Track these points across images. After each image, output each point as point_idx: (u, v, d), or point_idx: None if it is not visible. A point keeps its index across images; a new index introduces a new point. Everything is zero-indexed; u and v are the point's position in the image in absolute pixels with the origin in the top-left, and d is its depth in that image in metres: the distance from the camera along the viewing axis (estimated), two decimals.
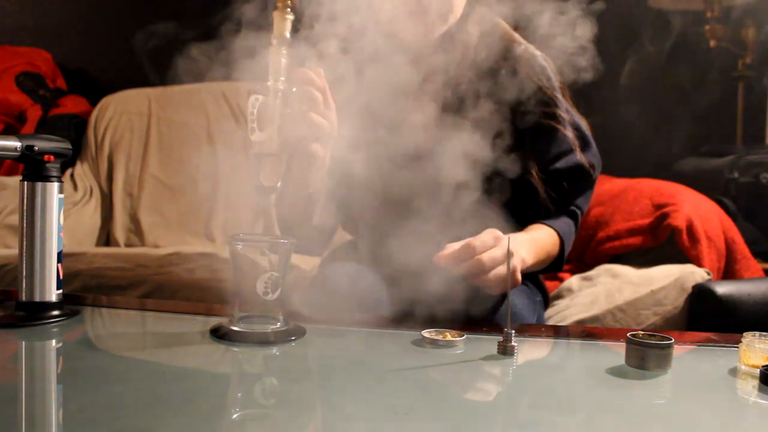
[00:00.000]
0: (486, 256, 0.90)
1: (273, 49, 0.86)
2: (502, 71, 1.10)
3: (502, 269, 0.91)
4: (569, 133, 1.12)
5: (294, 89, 0.87)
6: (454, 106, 1.11)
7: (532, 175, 1.11)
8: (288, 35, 0.86)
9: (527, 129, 1.10)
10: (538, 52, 1.14)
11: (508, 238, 0.89)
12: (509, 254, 0.80)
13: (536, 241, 1.08)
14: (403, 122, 1.06)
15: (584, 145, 1.16)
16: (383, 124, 1.01)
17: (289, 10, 0.86)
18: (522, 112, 1.09)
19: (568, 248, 1.16)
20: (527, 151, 1.10)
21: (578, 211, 1.18)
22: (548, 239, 1.12)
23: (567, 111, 1.13)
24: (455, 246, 0.93)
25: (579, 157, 1.13)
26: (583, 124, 1.17)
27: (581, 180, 1.15)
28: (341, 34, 1.01)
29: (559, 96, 1.13)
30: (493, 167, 1.07)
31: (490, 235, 0.93)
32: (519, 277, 0.97)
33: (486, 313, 0.98)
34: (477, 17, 1.12)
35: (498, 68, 1.10)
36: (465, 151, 1.08)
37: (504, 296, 1.00)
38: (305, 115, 0.90)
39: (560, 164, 1.12)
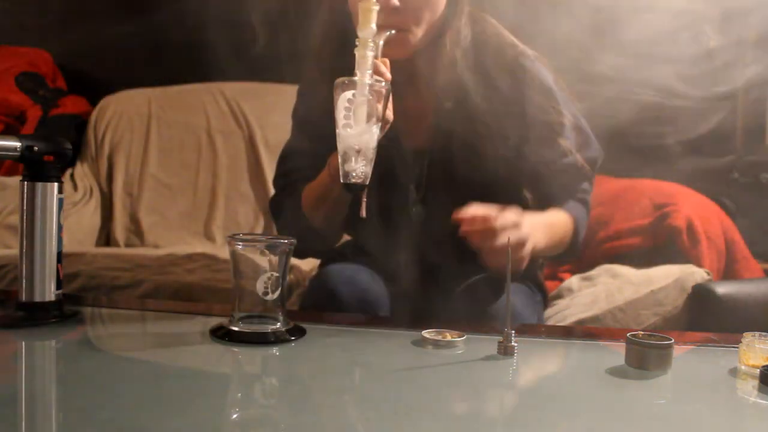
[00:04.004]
0: (498, 223, 0.92)
1: (360, 42, 0.83)
2: (492, 79, 1.09)
3: (506, 238, 0.92)
4: (565, 142, 1.10)
5: (383, 84, 0.84)
6: (443, 118, 1.10)
7: (519, 190, 1.11)
8: (374, 27, 0.83)
9: (522, 138, 1.09)
10: (529, 52, 1.13)
11: (508, 239, 0.89)
12: (509, 254, 0.79)
13: (552, 225, 1.07)
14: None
15: (585, 142, 1.15)
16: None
17: (374, 0, 0.82)
18: (516, 122, 1.08)
19: (581, 233, 1.15)
20: (521, 160, 1.09)
21: (586, 196, 1.17)
22: (562, 223, 1.11)
23: (563, 115, 1.11)
24: (478, 210, 0.94)
25: (577, 158, 1.12)
26: (582, 119, 1.16)
27: (581, 176, 1.14)
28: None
29: (554, 100, 1.10)
30: (485, 178, 1.07)
31: (512, 213, 0.95)
32: (526, 255, 0.96)
33: (484, 313, 0.99)
34: (462, 22, 1.10)
35: (488, 76, 1.09)
36: (454, 162, 1.08)
37: (494, 293, 1.00)
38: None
39: (558, 167, 1.11)
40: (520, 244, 0.95)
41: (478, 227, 0.93)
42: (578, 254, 1.17)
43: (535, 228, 0.99)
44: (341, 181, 0.84)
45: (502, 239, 0.92)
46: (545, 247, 1.05)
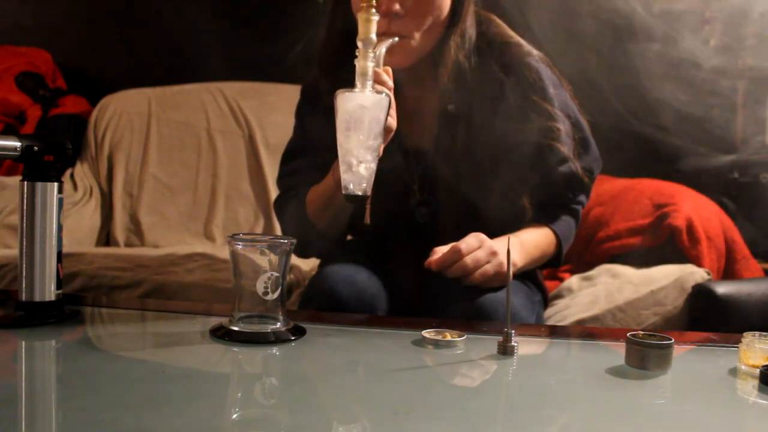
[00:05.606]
0: (469, 259, 0.98)
1: (360, 52, 0.83)
2: (496, 80, 1.08)
3: (487, 267, 0.99)
4: (563, 147, 1.10)
5: (384, 94, 0.83)
6: (444, 122, 1.10)
7: (519, 195, 1.12)
8: (374, 37, 0.83)
9: (520, 144, 1.09)
10: (535, 52, 1.13)
11: (508, 239, 0.90)
12: (509, 254, 0.79)
13: (526, 243, 1.09)
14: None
15: (583, 148, 1.15)
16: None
17: (374, 10, 0.82)
18: (514, 126, 1.08)
19: (567, 245, 1.17)
20: (520, 164, 1.09)
21: (578, 207, 1.18)
22: (543, 238, 1.12)
23: (563, 120, 1.10)
24: (443, 249, 0.99)
25: (574, 166, 1.12)
26: (584, 122, 1.16)
27: (577, 185, 1.14)
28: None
29: (554, 104, 1.10)
30: (483, 183, 1.07)
31: (474, 238, 1.00)
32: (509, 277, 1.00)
33: (485, 313, 0.99)
34: (468, 23, 1.09)
35: (492, 77, 1.08)
36: (457, 163, 1.08)
37: (494, 292, 1.00)
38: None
39: (555, 174, 1.11)
40: (498, 273, 0.99)
41: (449, 264, 0.98)
42: (560, 265, 1.20)
43: (512, 247, 1.01)
44: (342, 192, 0.84)
45: (477, 269, 0.98)
46: (523, 265, 1.08)
